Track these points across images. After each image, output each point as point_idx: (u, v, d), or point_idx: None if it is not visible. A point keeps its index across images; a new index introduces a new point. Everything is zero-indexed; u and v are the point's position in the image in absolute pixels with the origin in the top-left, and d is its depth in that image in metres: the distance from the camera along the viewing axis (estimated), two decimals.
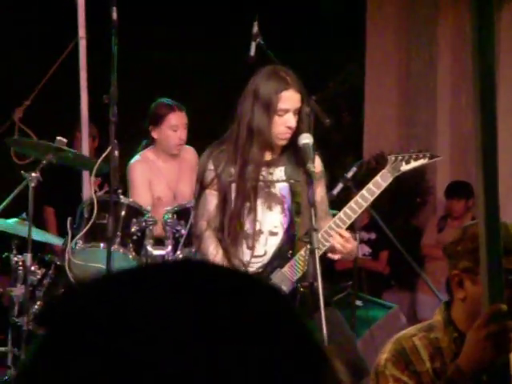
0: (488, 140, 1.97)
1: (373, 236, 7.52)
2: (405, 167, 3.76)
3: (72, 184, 6.17)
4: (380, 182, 3.71)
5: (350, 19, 8.89)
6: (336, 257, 3.66)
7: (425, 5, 8.52)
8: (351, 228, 5.25)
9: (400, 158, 3.74)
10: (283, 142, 3.76)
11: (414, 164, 3.77)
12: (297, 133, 3.72)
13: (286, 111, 3.69)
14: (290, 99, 3.69)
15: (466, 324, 2.30)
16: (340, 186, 4.87)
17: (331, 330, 3.35)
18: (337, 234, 3.63)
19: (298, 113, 3.73)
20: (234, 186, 3.74)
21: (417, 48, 8.59)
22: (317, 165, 3.79)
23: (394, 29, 8.82)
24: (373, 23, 8.90)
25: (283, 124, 3.69)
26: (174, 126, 5.12)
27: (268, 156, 3.81)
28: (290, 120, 3.70)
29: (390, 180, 3.72)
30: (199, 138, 4.97)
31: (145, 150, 5.28)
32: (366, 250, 7.58)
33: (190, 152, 5.29)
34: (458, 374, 2.11)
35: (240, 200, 3.72)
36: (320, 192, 3.83)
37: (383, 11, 8.84)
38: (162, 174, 5.22)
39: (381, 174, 3.73)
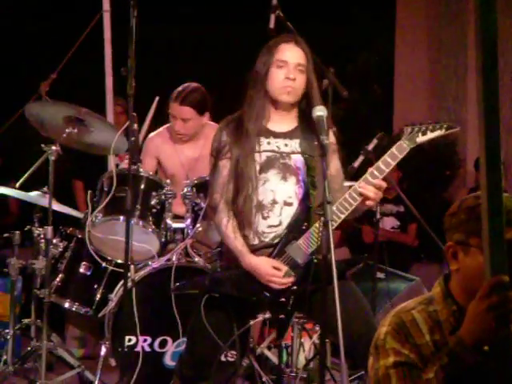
0: (490, 110, 1.93)
1: (401, 209, 7.48)
2: (421, 138, 3.70)
3: (100, 157, 6.19)
4: (396, 153, 3.67)
5: None
6: (369, 203, 3.65)
7: None
8: None
9: (416, 129, 3.69)
10: (286, 98, 3.76)
11: (430, 135, 3.72)
12: (310, 103, 3.70)
13: (285, 63, 3.71)
14: (288, 50, 3.74)
15: (461, 296, 2.28)
16: (361, 158, 4.84)
17: (345, 302, 3.34)
18: (371, 186, 3.63)
19: (306, 73, 3.74)
20: (247, 157, 3.73)
21: (447, 18, 8.49)
22: (330, 138, 3.77)
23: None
24: None
25: (283, 75, 3.72)
26: (172, 114, 5.11)
27: (284, 128, 3.80)
28: (290, 72, 3.72)
29: (406, 151, 3.68)
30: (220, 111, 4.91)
31: (167, 125, 5.26)
32: (395, 222, 7.54)
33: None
34: (460, 345, 2.09)
35: (253, 171, 3.71)
36: (335, 165, 3.82)
37: None
38: (176, 151, 5.18)
39: (397, 145, 3.69)
